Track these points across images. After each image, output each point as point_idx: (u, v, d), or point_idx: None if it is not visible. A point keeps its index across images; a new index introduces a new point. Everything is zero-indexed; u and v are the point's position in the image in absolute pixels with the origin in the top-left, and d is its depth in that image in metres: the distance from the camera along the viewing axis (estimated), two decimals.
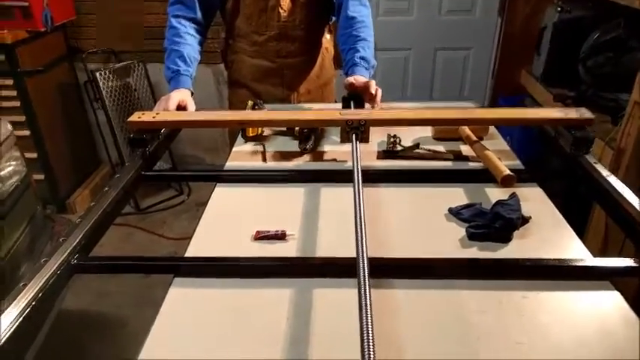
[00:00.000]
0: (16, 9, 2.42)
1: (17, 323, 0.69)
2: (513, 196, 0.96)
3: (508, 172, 1.03)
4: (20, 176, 1.45)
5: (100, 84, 2.67)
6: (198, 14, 1.49)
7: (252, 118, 1.18)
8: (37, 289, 0.75)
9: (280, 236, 0.93)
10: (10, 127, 1.46)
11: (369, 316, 0.62)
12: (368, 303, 0.64)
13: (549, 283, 0.79)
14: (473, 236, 0.90)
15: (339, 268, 0.80)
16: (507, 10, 2.73)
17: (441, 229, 0.95)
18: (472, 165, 1.19)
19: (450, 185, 1.09)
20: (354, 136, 1.15)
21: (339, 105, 1.46)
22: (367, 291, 0.66)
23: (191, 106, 1.34)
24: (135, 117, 1.21)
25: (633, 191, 0.93)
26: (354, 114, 1.18)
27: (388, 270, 0.80)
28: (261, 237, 0.93)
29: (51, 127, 2.67)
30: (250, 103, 1.38)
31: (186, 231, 2.66)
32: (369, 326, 0.60)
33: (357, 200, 0.89)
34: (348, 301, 0.76)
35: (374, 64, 1.46)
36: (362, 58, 1.42)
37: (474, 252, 0.88)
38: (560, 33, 2.32)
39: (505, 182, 1.03)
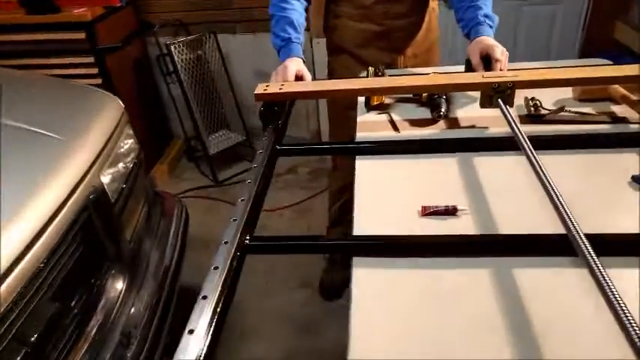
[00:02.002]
0: None
1: (220, 306, 0.67)
2: None
3: None
4: (135, 153, 1.45)
5: (175, 57, 2.65)
6: None
7: (388, 86, 1.11)
8: (225, 271, 0.72)
9: (451, 211, 0.87)
10: (122, 104, 1.45)
11: (618, 299, 0.55)
12: (610, 284, 0.57)
13: None
14: None
15: (547, 246, 0.74)
16: None
17: (633, 200, 0.86)
18: (634, 127, 1.08)
19: (621, 150, 0.99)
20: (500, 100, 1.06)
21: (455, 67, 1.38)
22: (602, 271, 0.60)
23: (307, 75, 1.28)
24: (260, 89, 1.16)
25: None
26: (499, 76, 1.09)
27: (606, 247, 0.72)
28: (429, 213, 0.87)
29: (129, 103, 2.67)
30: (371, 69, 1.30)
31: (268, 202, 2.66)
32: (626, 311, 0.54)
33: (540, 170, 0.82)
34: (564, 282, 0.71)
35: (497, 22, 1.34)
36: (486, 16, 1.31)
37: None
38: None
39: None
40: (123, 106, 1.43)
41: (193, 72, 2.78)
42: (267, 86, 1.17)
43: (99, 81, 2.48)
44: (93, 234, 1.16)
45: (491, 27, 1.31)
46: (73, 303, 1.08)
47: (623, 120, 1.11)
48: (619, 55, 2.55)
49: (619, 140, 1.02)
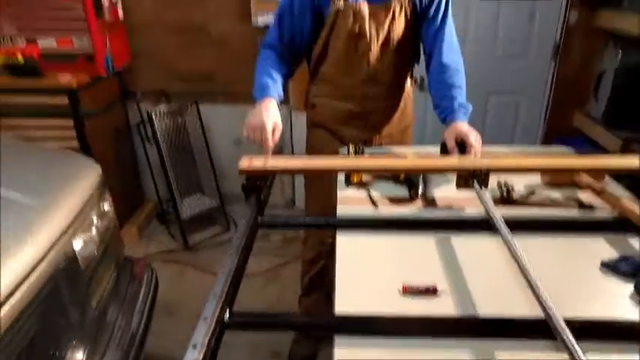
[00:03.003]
0: (81, 56, 2.47)
1: None
2: None
3: None
4: (109, 219, 1.42)
5: (155, 124, 2.68)
6: (286, 54, 1.51)
7: (370, 166, 1.15)
8: (204, 350, 0.70)
9: (432, 291, 0.88)
10: (100, 169, 1.44)
11: None
12: None
13: None
14: None
15: (527, 329, 0.74)
16: (561, 54, 2.74)
17: (603, 285, 0.89)
18: (603, 214, 1.14)
19: (590, 235, 1.04)
20: (476, 183, 1.11)
21: (432, 147, 1.45)
22: (581, 356, 0.61)
23: (279, 126, 1.31)
24: (245, 163, 1.18)
25: None
26: (474, 161, 1.15)
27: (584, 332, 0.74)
28: (411, 292, 0.88)
29: (104, 165, 2.64)
30: (352, 147, 1.35)
31: None
32: None
33: (516, 253, 0.85)
34: None
35: (470, 110, 1.44)
36: (460, 104, 1.41)
37: None
38: (623, 77, 2.32)
39: None
40: (101, 171, 1.42)
41: (172, 138, 2.81)
42: (251, 159, 1.19)
43: (75, 144, 2.47)
44: (58, 302, 1.10)
45: (465, 114, 1.40)
46: None
47: (590, 206, 1.17)
48: (578, 142, 2.74)
49: (587, 226, 1.07)
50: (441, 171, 1.21)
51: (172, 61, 2.92)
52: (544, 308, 0.71)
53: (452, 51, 1.50)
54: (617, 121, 2.37)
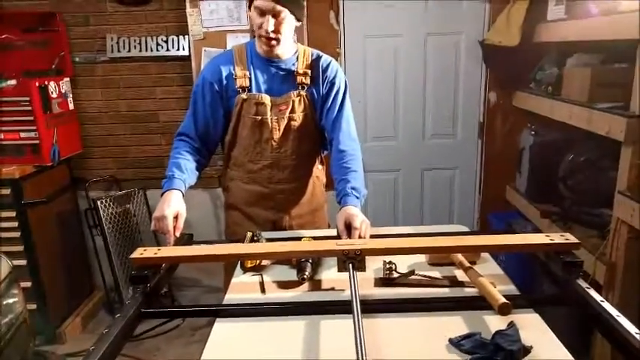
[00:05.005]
0: (27, 146, 2.58)
1: None
2: (512, 325, 0.97)
3: (503, 300, 1.05)
4: (16, 313, 1.44)
5: (101, 211, 2.75)
6: (199, 144, 1.65)
7: (252, 252, 1.22)
8: None
9: None
10: (10, 264, 1.49)
11: None
12: None
13: None
14: None
15: None
16: (486, 132, 2.94)
17: None
18: (468, 291, 1.21)
19: (449, 314, 1.10)
20: (350, 265, 1.18)
21: (334, 231, 1.53)
22: None
23: (182, 215, 1.45)
24: (137, 253, 1.24)
25: (632, 309, 0.95)
26: (349, 244, 1.23)
27: None
28: None
29: (48, 254, 2.68)
30: (249, 234, 1.43)
31: (181, 358, 2.56)
32: None
33: (357, 335, 0.90)
34: None
35: (364, 194, 1.55)
36: (353, 188, 1.52)
37: None
38: (537, 154, 2.49)
39: (502, 310, 1.05)
40: (10, 266, 1.46)
41: (119, 225, 2.86)
42: (144, 250, 1.26)
43: (17, 234, 2.51)
44: None
45: (357, 197, 1.50)
46: None
47: (461, 284, 1.24)
48: (513, 215, 2.86)
49: (449, 304, 1.13)
50: (320, 254, 1.28)
51: (123, 148, 3.06)
52: None
53: (349, 138, 1.64)
54: (537, 195, 2.51)
